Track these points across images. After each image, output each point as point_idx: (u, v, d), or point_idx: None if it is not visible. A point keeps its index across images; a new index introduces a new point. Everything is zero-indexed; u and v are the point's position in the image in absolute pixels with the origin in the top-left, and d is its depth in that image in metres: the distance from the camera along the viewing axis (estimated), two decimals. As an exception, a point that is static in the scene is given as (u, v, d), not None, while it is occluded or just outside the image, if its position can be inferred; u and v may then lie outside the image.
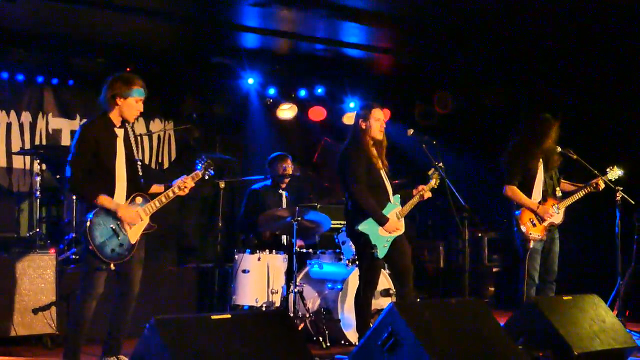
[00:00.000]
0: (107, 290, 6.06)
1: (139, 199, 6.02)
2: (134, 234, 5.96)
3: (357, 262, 7.88)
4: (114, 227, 5.85)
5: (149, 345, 4.73)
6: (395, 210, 7.00)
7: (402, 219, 7.05)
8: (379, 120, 6.99)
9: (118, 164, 5.94)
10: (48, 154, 8.84)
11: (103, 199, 5.81)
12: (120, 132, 6.01)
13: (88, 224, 5.76)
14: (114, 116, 5.98)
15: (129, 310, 6.06)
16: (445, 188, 7.15)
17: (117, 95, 5.93)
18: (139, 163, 6.09)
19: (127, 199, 5.95)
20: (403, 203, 7.10)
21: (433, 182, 7.19)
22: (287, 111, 11.36)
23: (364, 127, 6.98)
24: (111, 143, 5.93)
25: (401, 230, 7.00)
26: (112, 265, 5.87)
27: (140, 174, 6.06)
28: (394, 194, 7.09)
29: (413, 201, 7.12)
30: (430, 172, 7.22)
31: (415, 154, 7.34)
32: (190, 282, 9.04)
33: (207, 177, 6.35)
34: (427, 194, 7.17)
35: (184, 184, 6.14)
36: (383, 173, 7.03)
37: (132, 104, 5.97)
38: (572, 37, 9.68)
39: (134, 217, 5.93)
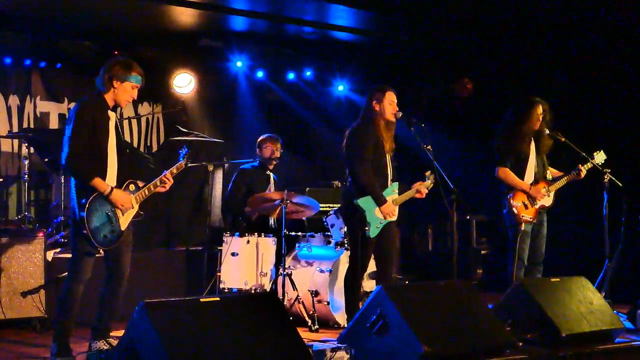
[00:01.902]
0: (97, 274, 6.05)
1: (132, 187, 6.04)
2: (124, 221, 5.97)
3: (347, 245, 7.90)
4: (109, 214, 5.84)
5: (138, 328, 4.71)
6: (392, 197, 6.98)
7: (397, 208, 7.04)
8: (392, 103, 6.97)
9: (110, 146, 5.92)
10: (36, 137, 8.80)
11: (98, 181, 5.79)
12: (112, 115, 5.99)
13: (86, 207, 5.73)
14: (109, 98, 5.95)
15: (119, 294, 6.07)
16: (434, 171, 7.13)
17: (115, 78, 5.90)
18: (127, 150, 6.10)
19: (117, 182, 5.94)
20: (400, 193, 7.08)
21: (428, 183, 7.13)
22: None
23: (377, 109, 6.96)
24: (105, 124, 5.91)
25: (394, 217, 6.99)
26: (101, 251, 5.85)
27: (129, 158, 6.08)
28: (393, 181, 7.07)
29: (408, 194, 7.08)
30: (427, 173, 7.16)
31: (404, 137, 7.31)
32: (179, 265, 9.04)
33: (189, 165, 6.43)
34: (424, 191, 7.11)
35: (165, 179, 6.17)
36: (388, 158, 7.00)
37: (127, 89, 5.94)
38: (562, 19, 9.67)
39: (127, 201, 5.93)
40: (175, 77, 10.26)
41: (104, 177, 5.85)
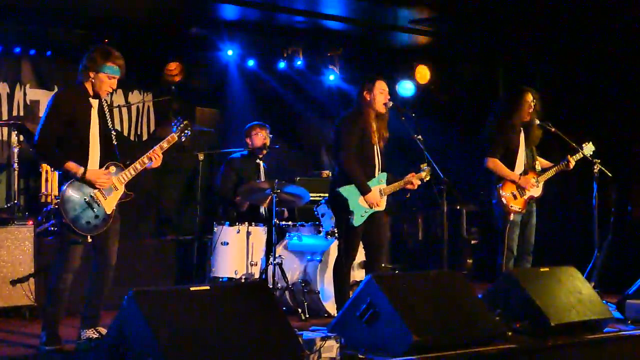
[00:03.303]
0: (86, 263, 6.03)
1: (112, 168, 5.93)
2: (109, 204, 5.91)
3: (337, 234, 7.90)
4: (87, 199, 5.79)
5: (127, 317, 4.71)
6: (379, 187, 6.99)
7: (385, 198, 7.05)
8: (383, 92, 6.99)
9: (92, 135, 5.88)
10: (26, 125, 8.76)
11: (69, 165, 5.75)
12: (95, 103, 5.95)
13: (62, 195, 5.73)
14: (89, 87, 5.91)
15: (106, 283, 6.04)
16: (429, 163, 7.15)
17: (90, 69, 5.86)
18: (114, 134, 6.02)
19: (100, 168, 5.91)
20: (389, 183, 7.09)
21: (423, 175, 7.12)
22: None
23: (368, 98, 6.98)
24: (86, 113, 5.87)
25: (381, 207, 7.00)
26: (88, 238, 5.83)
27: (115, 143, 6.00)
28: (382, 172, 7.07)
29: (398, 184, 7.09)
30: (423, 165, 7.17)
31: (394, 126, 7.31)
32: (169, 254, 9.03)
33: (183, 139, 6.29)
34: (416, 182, 7.11)
35: (154, 153, 6.02)
36: (376, 149, 7.01)
37: (103, 79, 5.87)
38: (553, 9, 9.68)
39: (104, 179, 5.83)
40: (166, 65, 10.23)
41: (85, 165, 5.81)
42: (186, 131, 6.28)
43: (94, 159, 5.88)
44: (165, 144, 6.10)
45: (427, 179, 7.16)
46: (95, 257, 6.02)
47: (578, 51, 10.33)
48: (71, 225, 5.73)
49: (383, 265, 7.20)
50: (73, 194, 5.77)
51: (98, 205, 5.84)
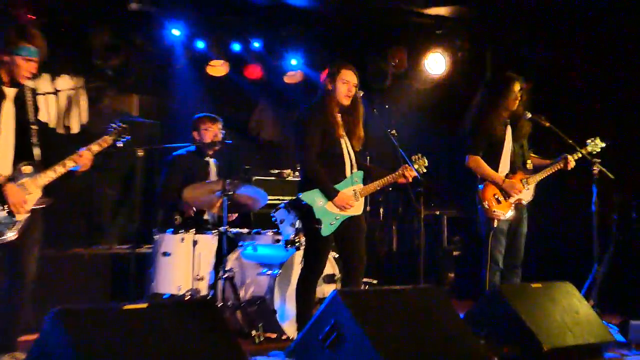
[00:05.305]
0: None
1: (27, 169, 5.86)
2: None
3: (297, 244, 7.89)
4: None
5: (49, 339, 4.67)
6: (353, 187, 6.98)
7: (362, 199, 7.04)
8: (346, 82, 6.97)
9: (4, 128, 5.82)
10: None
11: None
12: (10, 92, 5.90)
13: None
14: (4, 72, 5.85)
15: (22, 301, 5.98)
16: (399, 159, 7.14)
17: (4, 51, 5.80)
18: (35, 128, 5.94)
19: (14, 168, 5.83)
20: (368, 182, 7.07)
21: (416, 167, 7.06)
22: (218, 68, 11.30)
23: (329, 88, 6.97)
24: None
25: (355, 209, 6.99)
26: None
27: (35, 140, 5.92)
28: (358, 169, 7.06)
29: (386, 180, 7.08)
30: (414, 157, 7.14)
31: (366, 118, 7.30)
32: (102, 268, 8.98)
33: (120, 145, 6.26)
34: (411, 175, 7.05)
35: (81, 158, 5.96)
36: (345, 143, 7.00)
37: (19, 63, 5.81)
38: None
39: (18, 197, 5.77)
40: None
41: None
42: (124, 137, 6.26)
43: (5, 156, 5.82)
44: (95, 147, 6.07)
45: (423, 171, 7.11)
46: (7, 272, 5.94)
47: (576, 34, 10.39)
48: None
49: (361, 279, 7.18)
50: None
51: (1, 209, 5.77)
